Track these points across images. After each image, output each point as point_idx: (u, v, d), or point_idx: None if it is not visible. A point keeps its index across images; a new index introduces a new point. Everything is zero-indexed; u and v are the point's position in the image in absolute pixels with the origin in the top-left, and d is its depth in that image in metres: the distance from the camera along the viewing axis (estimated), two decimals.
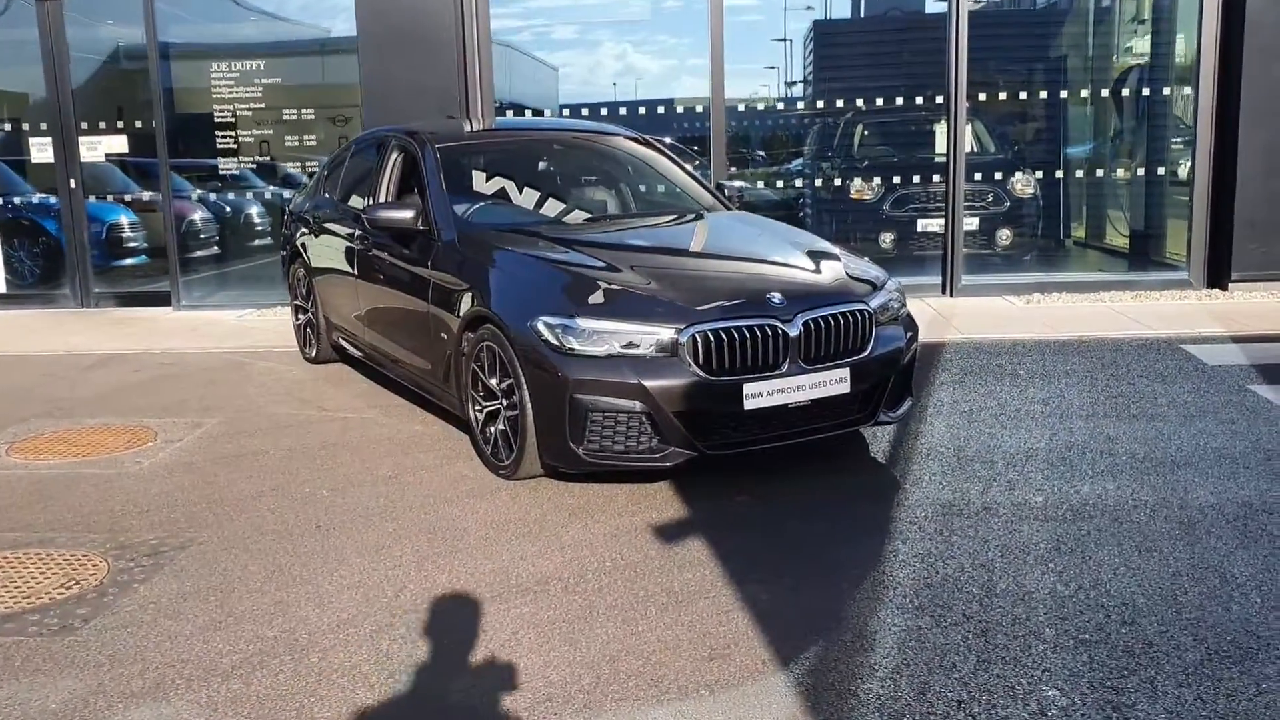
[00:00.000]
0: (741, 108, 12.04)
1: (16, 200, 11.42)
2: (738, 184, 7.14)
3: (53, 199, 11.07)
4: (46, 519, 4.98)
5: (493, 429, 5.34)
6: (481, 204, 6.41)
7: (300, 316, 8.07)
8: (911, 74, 12.03)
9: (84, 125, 10.70)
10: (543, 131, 7.57)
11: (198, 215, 11.82)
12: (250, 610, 3.98)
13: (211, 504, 5.11)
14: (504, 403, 5.21)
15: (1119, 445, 5.60)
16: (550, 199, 6.53)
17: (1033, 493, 4.97)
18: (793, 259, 5.61)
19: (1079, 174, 12.36)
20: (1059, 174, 11.92)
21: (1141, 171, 11.49)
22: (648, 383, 4.74)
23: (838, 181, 11.78)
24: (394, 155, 6.77)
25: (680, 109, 11.22)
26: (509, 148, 7.02)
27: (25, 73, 10.93)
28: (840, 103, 12.07)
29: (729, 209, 6.76)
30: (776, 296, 5.01)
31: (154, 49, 10.25)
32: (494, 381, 5.26)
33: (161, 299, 10.71)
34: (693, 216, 6.60)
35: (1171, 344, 7.83)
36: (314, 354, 7.90)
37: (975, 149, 11.97)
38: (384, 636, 3.73)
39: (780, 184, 12.67)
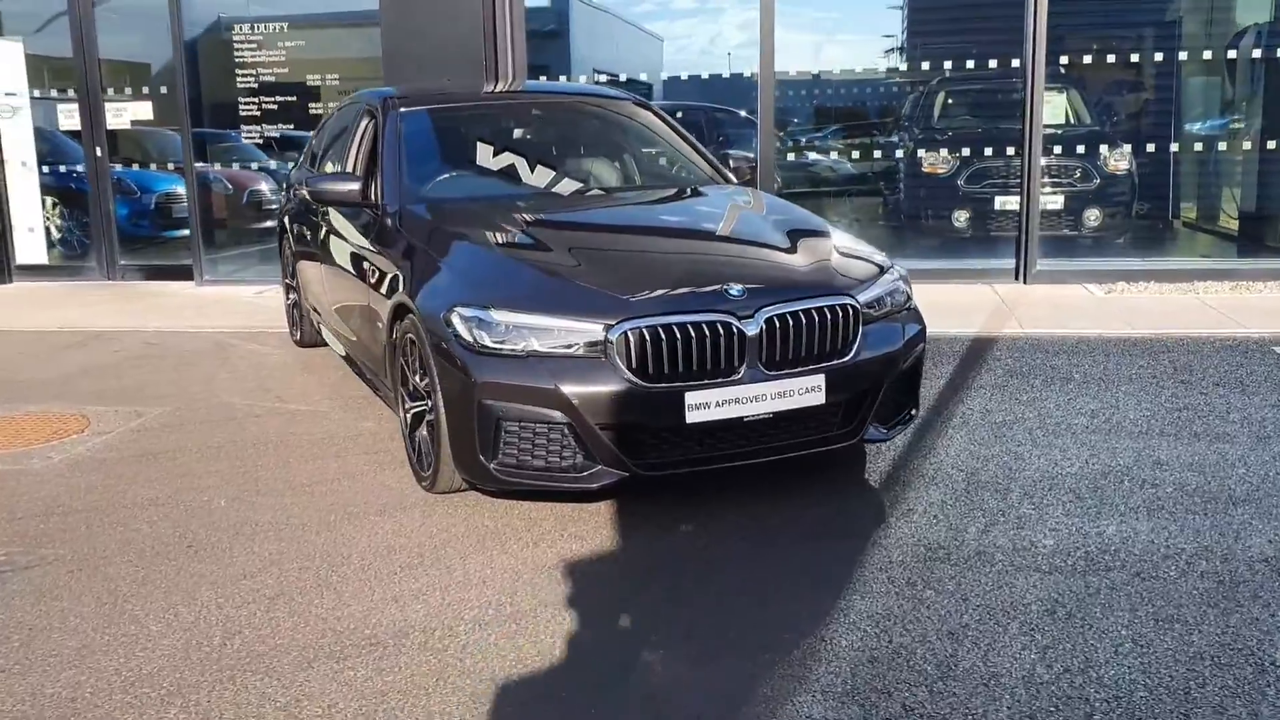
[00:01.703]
0: (814, 75, 11.12)
1: (71, 169, 11.01)
2: (746, 154, 6.22)
3: (113, 168, 10.70)
4: None
5: (420, 433, 4.63)
6: (444, 176, 5.68)
7: (290, 296, 7.49)
8: (1006, 34, 10.91)
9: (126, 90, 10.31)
10: (531, 96, 6.76)
11: (264, 186, 11.32)
12: (48, 656, 3.34)
13: (94, 511, 4.52)
14: (427, 404, 4.49)
15: (1167, 473, 4.62)
16: (528, 171, 5.75)
17: (1044, 533, 4.05)
18: (768, 241, 4.76)
19: (1186, 148, 11.08)
20: (1162, 148, 10.66)
21: (1255, 145, 10.17)
22: (567, 389, 3.96)
23: (916, 153, 10.74)
24: (364, 122, 6.10)
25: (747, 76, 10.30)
26: (488, 114, 6.26)
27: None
28: (927, 66, 11.05)
29: (729, 184, 5.89)
30: (735, 287, 4.17)
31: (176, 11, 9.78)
32: (417, 379, 4.55)
33: (185, 273, 10.28)
34: (675, 192, 5.78)
35: (1264, 346, 6.70)
36: (299, 337, 7.32)
37: (1072, 120, 10.86)
38: (172, 704, 3.05)
39: (856, 155, 11.69)
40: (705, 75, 10.58)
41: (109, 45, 10.38)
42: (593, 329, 4.01)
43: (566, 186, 5.66)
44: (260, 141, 10.24)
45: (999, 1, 10.74)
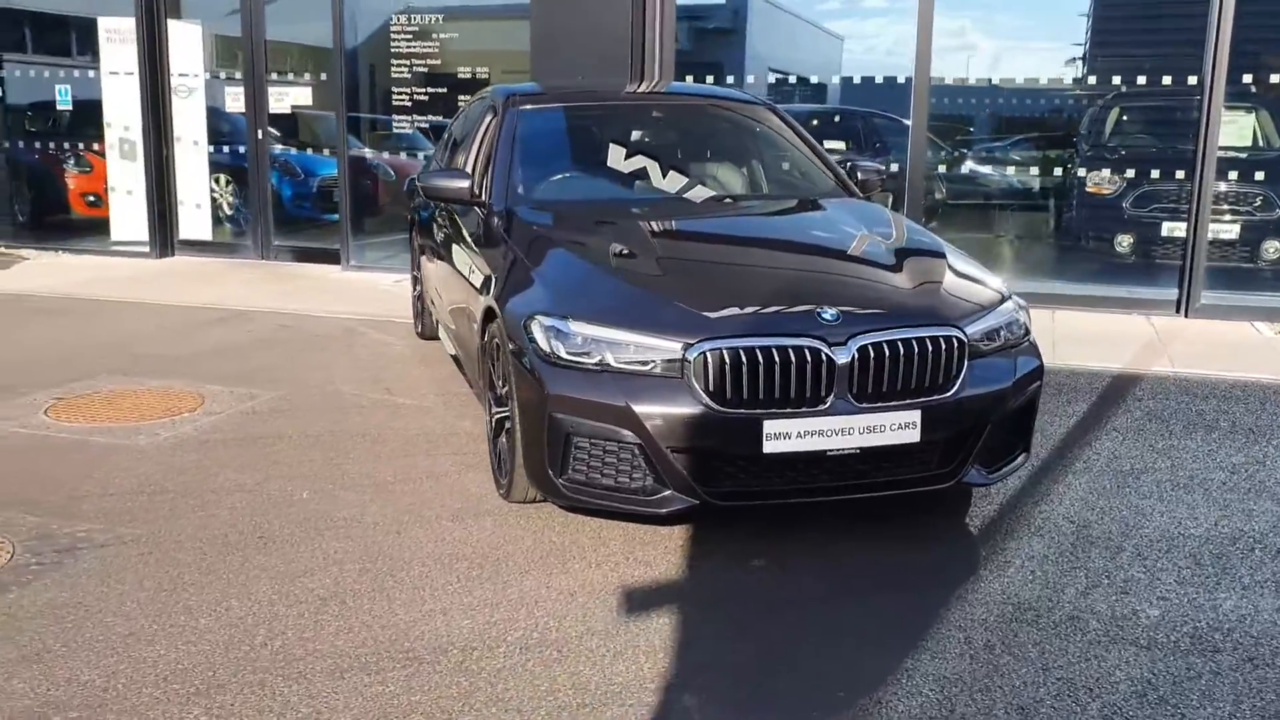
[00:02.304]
0: (979, 82, 10.65)
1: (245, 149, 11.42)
2: (878, 165, 5.91)
3: (285, 150, 11.06)
4: (2, 490, 4.60)
5: (502, 440, 4.55)
6: (556, 178, 5.58)
7: (416, 288, 7.54)
8: (1189, 48, 10.22)
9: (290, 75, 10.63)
10: (659, 98, 6.57)
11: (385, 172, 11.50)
12: (95, 640, 3.37)
13: (182, 494, 4.58)
14: (508, 411, 4.40)
15: None
16: (642, 175, 5.60)
17: (1150, 601, 3.69)
18: (874, 261, 4.49)
19: None
20: None
21: None
22: (639, 408, 3.80)
23: (1079, 172, 10.16)
24: (488, 118, 6.06)
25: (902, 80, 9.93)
26: (609, 115, 6.12)
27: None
28: (1094, 80, 10.44)
29: (854, 196, 5.61)
30: (828, 311, 3.93)
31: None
32: (500, 385, 4.46)
33: (333, 257, 10.52)
34: (789, 204, 5.53)
35: None
36: (421, 329, 7.36)
37: (1260, 144, 10.08)
38: (196, 703, 3.02)
39: (1019, 170, 11.16)
40: (879, 79, 10.24)
41: (277, 31, 10.70)
42: (670, 347, 3.83)
43: (678, 192, 5.48)
44: (410, 130, 10.38)
45: (1183, 14, 10.07)
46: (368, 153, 11.11)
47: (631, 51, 9.02)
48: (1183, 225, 8.87)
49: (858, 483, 3.98)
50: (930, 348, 3.93)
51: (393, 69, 10.19)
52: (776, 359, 3.79)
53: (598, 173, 5.64)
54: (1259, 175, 9.15)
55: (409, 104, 10.21)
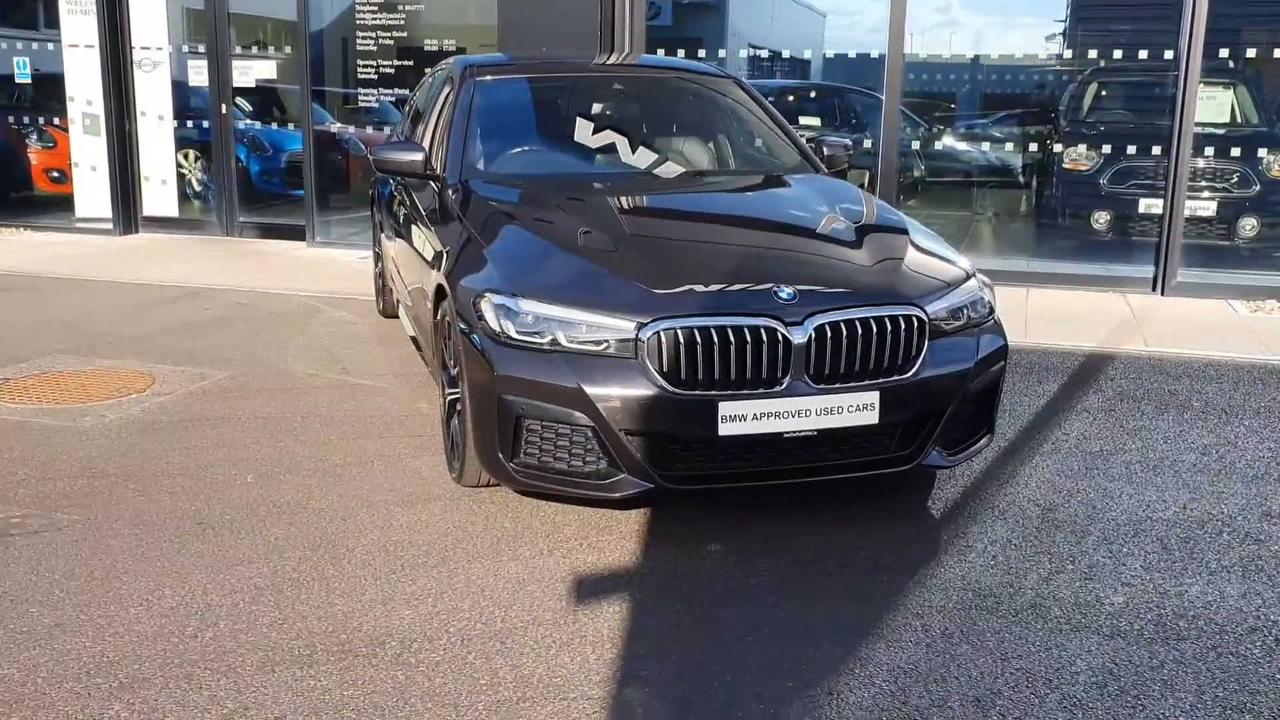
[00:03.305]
0: (956, 58, 10.55)
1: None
2: (844, 141, 5.77)
3: (252, 124, 10.85)
4: None
5: (455, 422, 4.42)
6: (512, 151, 5.42)
7: (378, 265, 7.39)
8: (1168, 23, 10.09)
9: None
10: (621, 70, 6.37)
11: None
12: (19, 632, 3.23)
13: (123, 477, 4.44)
14: (460, 393, 4.27)
15: (1277, 528, 4.07)
16: (601, 148, 5.45)
17: (1115, 588, 3.59)
18: (834, 237, 4.36)
19: None
20: None
21: None
22: (591, 390, 3.67)
23: (1056, 148, 10.04)
24: (445, 90, 5.90)
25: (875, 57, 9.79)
26: (569, 87, 5.96)
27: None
28: (1069, 55, 10.33)
29: (820, 172, 5.48)
30: (785, 289, 3.81)
31: None
32: (451, 365, 4.33)
33: (299, 233, 10.33)
34: (751, 180, 5.39)
35: None
36: (382, 306, 7.21)
37: (1238, 119, 9.97)
38: (119, 698, 2.89)
39: (995, 146, 11.06)
40: (853, 54, 10.10)
41: (241, 3, 10.47)
42: (623, 326, 3.70)
43: (636, 167, 5.33)
44: (377, 104, 10.18)
45: None
46: (335, 127, 10.90)
47: (601, 25, 8.84)
48: (1160, 202, 8.78)
49: (815, 465, 3.86)
50: (890, 327, 3.81)
51: (359, 41, 9.98)
52: (732, 339, 3.66)
53: (557, 147, 5.50)
54: (1236, 152, 9.05)
55: (375, 77, 10.01)
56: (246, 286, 8.23)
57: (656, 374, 3.67)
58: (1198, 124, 8.44)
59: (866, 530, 4.02)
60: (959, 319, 4.04)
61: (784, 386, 3.71)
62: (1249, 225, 9.17)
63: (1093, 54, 10.30)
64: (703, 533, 3.96)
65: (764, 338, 3.68)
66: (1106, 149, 9.34)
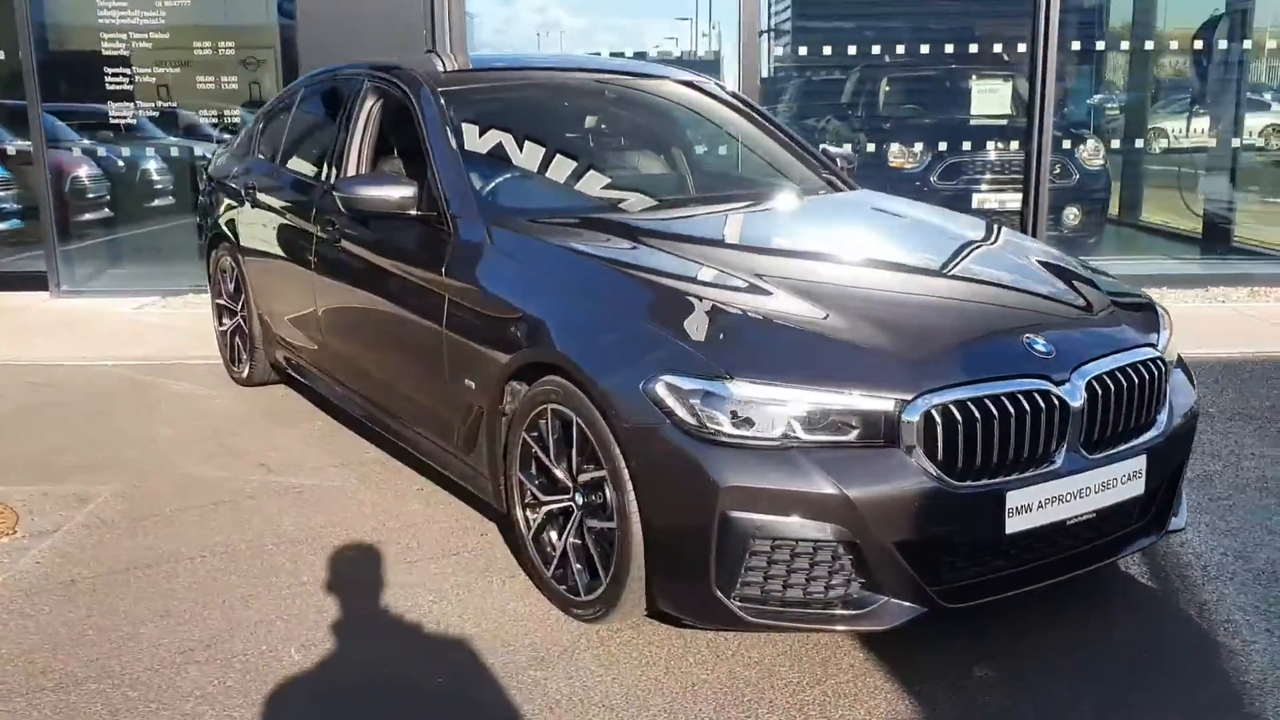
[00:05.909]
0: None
1: None
2: (845, 150, 5.10)
3: None
4: None
5: (558, 539, 3.35)
6: (507, 177, 4.33)
7: (225, 321, 5.91)
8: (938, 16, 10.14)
9: None
10: (585, 74, 5.21)
11: (84, 171, 9.27)
12: None
13: (78, 664, 3.03)
14: (581, 501, 3.22)
15: None
16: (606, 171, 4.48)
17: None
18: (1032, 274, 3.69)
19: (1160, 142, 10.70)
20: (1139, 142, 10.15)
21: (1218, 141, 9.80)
22: (854, 493, 2.78)
23: (869, 147, 9.86)
24: (368, 104, 4.68)
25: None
26: (542, 97, 4.86)
27: None
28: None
29: (851, 188, 4.78)
30: (1039, 340, 3.08)
31: None
32: (564, 468, 3.27)
33: (36, 281, 8.36)
34: (820, 201, 4.59)
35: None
36: (245, 373, 5.75)
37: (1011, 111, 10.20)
38: None
39: None
40: None
41: None
42: (877, 406, 2.84)
43: (664, 190, 4.41)
44: (133, 120, 8.41)
45: None
46: (80, 147, 8.92)
47: (425, 27, 7.70)
48: (993, 197, 8.91)
49: (1087, 553, 3.16)
50: (1145, 375, 3.19)
51: (104, 45, 8.18)
52: (1011, 410, 2.89)
53: (588, 172, 4.47)
54: (1065, 144, 9.24)
55: (130, 88, 8.24)
56: (23, 359, 6.43)
57: (930, 463, 2.83)
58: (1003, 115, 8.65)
59: (1081, 628, 3.36)
60: (1172, 357, 3.49)
61: (1058, 463, 2.99)
62: (1072, 214, 9.40)
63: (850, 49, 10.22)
64: (973, 646, 3.14)
65: (1040, 404, 2.94)
66: (940, 145, 9.27)
